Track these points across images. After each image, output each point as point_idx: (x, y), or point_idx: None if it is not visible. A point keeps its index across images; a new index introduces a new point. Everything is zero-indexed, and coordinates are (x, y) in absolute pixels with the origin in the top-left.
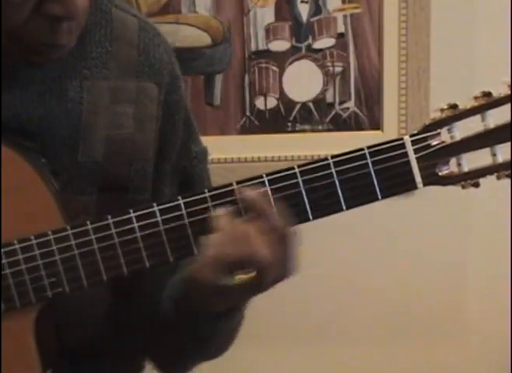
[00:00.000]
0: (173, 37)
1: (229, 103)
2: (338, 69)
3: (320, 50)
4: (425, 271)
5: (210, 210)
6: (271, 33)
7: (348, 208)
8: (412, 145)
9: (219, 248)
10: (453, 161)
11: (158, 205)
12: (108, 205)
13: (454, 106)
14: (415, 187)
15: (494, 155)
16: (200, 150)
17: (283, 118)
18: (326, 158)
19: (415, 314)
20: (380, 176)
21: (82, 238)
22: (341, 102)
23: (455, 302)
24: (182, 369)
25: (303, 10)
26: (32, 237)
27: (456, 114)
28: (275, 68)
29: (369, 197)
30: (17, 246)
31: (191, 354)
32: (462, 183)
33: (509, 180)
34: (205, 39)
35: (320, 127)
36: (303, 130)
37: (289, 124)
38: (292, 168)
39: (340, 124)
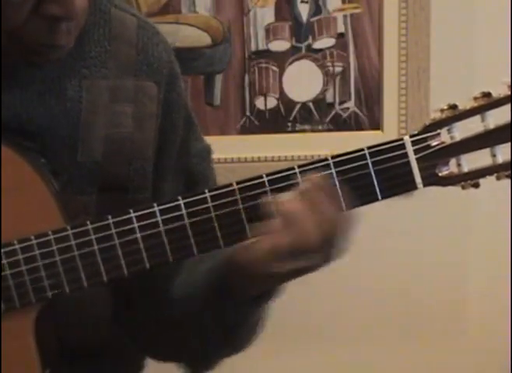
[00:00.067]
0: (173, 37)
1: (229, 103)
2: (338, 69)
3: (320, 50)
4: (425, 271)
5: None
6: (271, 33)
7: (347, 209)
8: (412, 146)
9: (279, 235)
10: (453, 161)
11: (158, 205)
12: (108, 205)
13: (453, 107)
14: (415, 188)
15: (494, 155)
16: (203, 147)
17: (283, 118)
18: (326, 159)
19: (415, 314)
20: (380, 177)
21: (82, 239)
22: (341, 102)
23: (455, 302)
24: (208, 365)
25: (303, 10)
26: (32, 237)
27: (456, 115)
28: (275, 68)
29: (369, 198)
30: (17, 246)
31: (217, 348)
32: (462, 183)
33: (509, 181)
34: (205, 39)
35: (320, 127)
36: (303, 130)
37: (289, 124)
38: (292, 168)
39: (340, 124)
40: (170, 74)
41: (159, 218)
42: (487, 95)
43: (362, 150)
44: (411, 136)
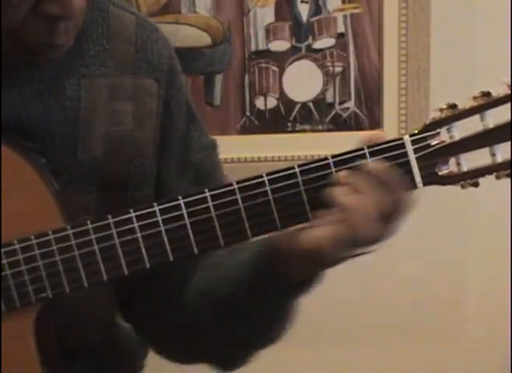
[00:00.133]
0: (173, 37)
1: (229, 103)
2: (338, 69)
3: (320, 50)
4: (424, 271)
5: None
6: (271, 33)
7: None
8: (412, 145)
9: (339, 225)
10: (452, 160)
11: (158, 205)
12: (108, 203)
13: (453, 106)
14: (415, 187)
15: (493, 154)
16: (207, 142)
17: (283, 118)
18: (326, 158)
19: (414, 314)
20: None
21: (82, 238)
22: (341, 102)
23: (455, 302)
24: (240, 362)
25: (303, 10)
26: (32, 237)
27: (455, 114)
28: (275, 68)
29: None
30: (17, 246)
31: (253, 341)
32: (462, 182)
33: (508, 180)
34: (205, 39)
35: (320, 127)
36: (303, 130)
37: (289, 124)
38: (293, 168)
39: (340, 124)
40: (170, 71)
41: (159, 218)
42: (487, 94)
43: (363, 149)
44: (410, 135)
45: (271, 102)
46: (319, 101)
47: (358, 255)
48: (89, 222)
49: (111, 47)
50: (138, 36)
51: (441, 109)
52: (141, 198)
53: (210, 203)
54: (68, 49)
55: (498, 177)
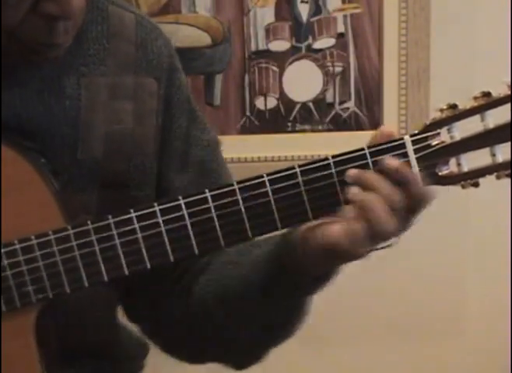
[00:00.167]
0: (173, 37)
1: (229, 103)
2: (338, 69)
3: (320, 50)
4: (424, 271)
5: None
6: (271, 33)
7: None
8: (412, 145)
9: (357, 222)
10: (453, 161)
11: (159, 205)
12: (109, 202)
13: (453, 106)
14: None
15: (493, 155)
16: (211, 138)
17: (283, 118)
18: (326, 158)
19: (414, 314)
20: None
21: (82, 239)
22: (341, 102)
23: (455, 302)
24: (255, 359)
25: (303, 10)
26: (32, 237)
27: (456, 114)
28: (275, 68)
29: None
30: (18, 246)
31: (264, 341)
32: (462, 182)
33: (509, 180)
34: (205, 39)
35: (320, 127)
36: (303, 130)
37: (289, 124)
38: (293, 168)
39: (340, 124)
40: (170, 69)
41: (159, 218)
42: (487, 94)
43: (363, 149)
44: (411, 135)
45: (271, 102)
46: (319, 101)
47: (377, 249)
48: (89, 222)
49: (111, 46)
50: (137, 35)
51: (441, 110)
52: (142, 197)
53: (211, 204)
54: (67, 48)
55: (498, 177)
